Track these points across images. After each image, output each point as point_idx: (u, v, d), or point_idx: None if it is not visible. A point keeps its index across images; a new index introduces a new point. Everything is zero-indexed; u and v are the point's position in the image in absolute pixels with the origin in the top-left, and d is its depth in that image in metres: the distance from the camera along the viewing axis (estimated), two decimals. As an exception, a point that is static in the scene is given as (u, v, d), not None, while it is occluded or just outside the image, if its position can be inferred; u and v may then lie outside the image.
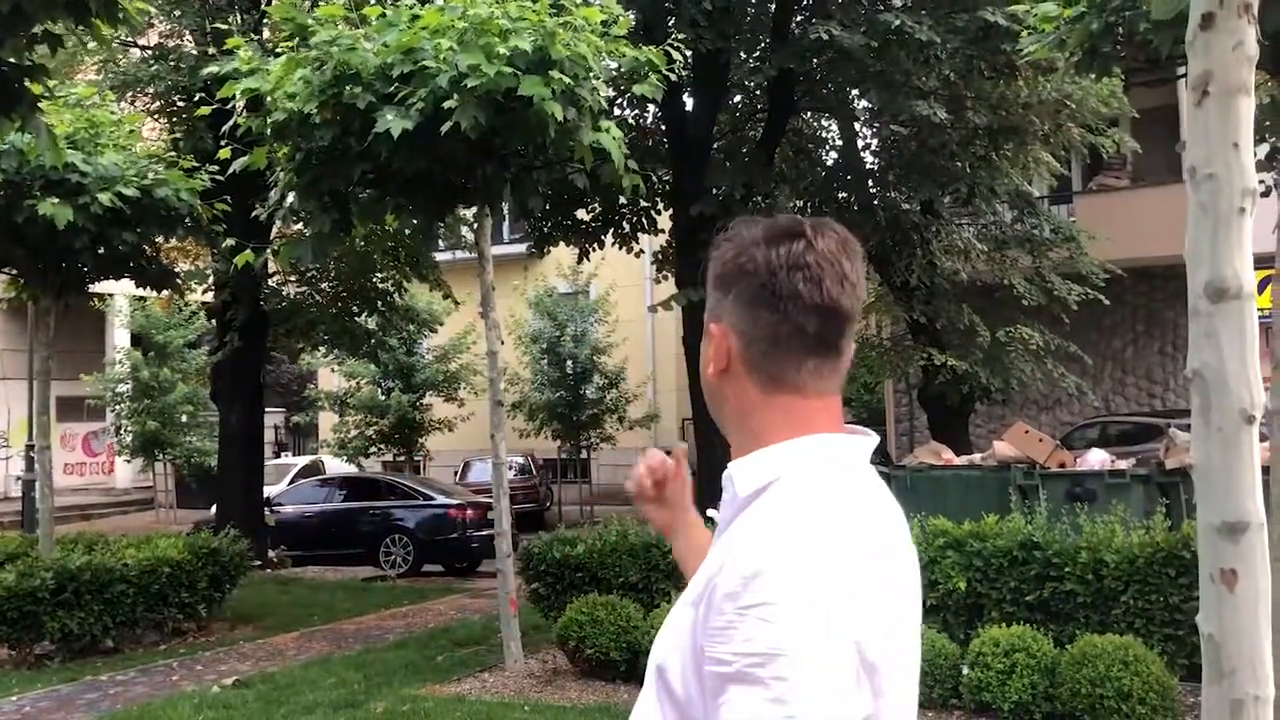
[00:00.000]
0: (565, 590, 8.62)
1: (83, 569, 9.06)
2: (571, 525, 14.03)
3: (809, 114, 15.27)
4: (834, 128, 15.95)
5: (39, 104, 5.54)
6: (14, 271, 10.58)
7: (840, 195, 14.73)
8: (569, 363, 20.91)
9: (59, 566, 8.99)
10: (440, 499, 15.62)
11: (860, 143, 15.97)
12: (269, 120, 7.88)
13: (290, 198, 8.82)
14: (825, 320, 1.22)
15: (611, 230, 13.70)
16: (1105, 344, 18.93)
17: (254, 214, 9.15)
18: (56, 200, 8.77)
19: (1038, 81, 13.00)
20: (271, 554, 14.93)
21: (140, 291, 19.25)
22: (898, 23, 10.63)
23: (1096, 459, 9.44)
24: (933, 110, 12.31)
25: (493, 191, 8.31)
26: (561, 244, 14.12)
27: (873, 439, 1.27)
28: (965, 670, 6.59)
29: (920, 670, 1.24)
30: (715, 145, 13.18)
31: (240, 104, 9.07)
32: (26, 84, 5.44)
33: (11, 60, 5.36)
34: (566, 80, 7.13)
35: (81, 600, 8.97)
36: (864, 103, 14.34)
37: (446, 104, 7.04)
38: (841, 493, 1.18)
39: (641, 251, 14.81)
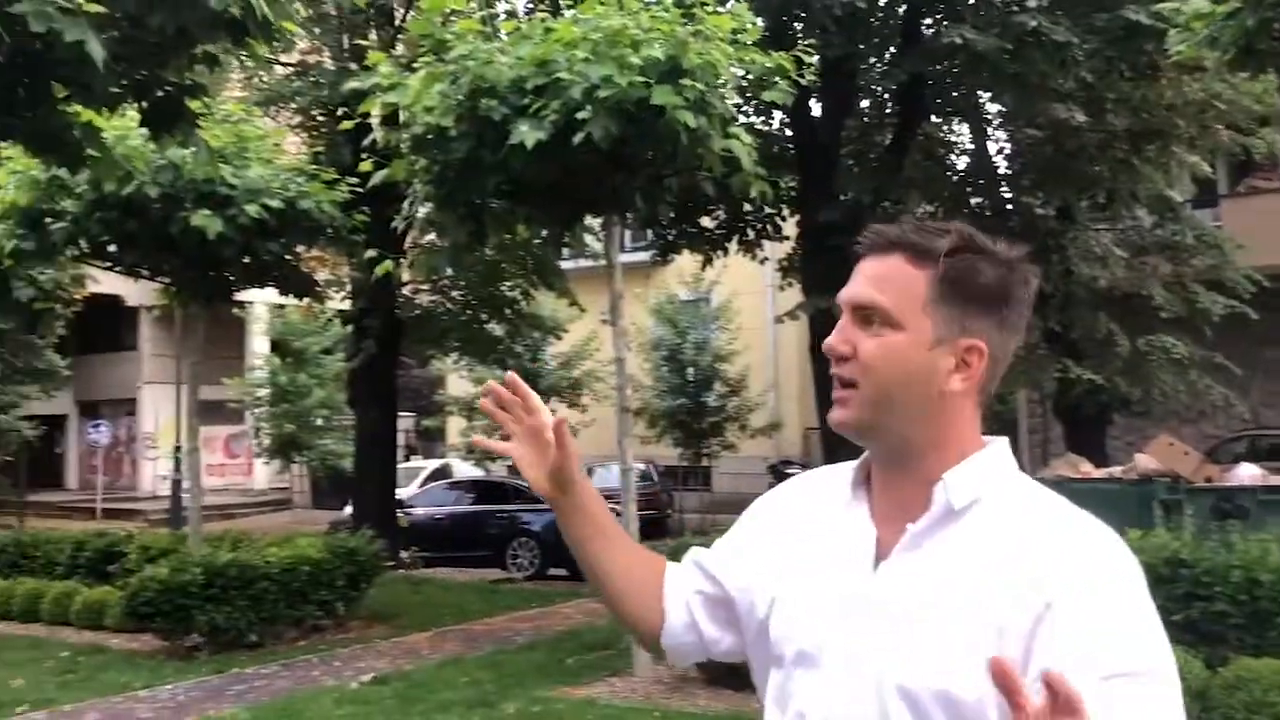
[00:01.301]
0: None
1: (229, 566, 9.46)
2: (696, 533, 14.04)
3: (940, 118, 14.99)
4: (965, 131, 15.62)
5: (197, 120, 5.82)
6: (167, 280, 11.14)
7: (972, 200, 14.41)
8: (690, 370, 20.95)
9: (207, 563, 9.40)
10: (565, 503, 15.78)
11: (993, 147, 15.61)
12: (407, 134, 8.12)
13: (426, 209, 9.08)
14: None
15: (736, 237, 13.67)
16: (1254, 353, 18.05)
17: (391, 225, 9.43)
18: (208, 212, 9.20)
19: (1182, 81, 12.50)
20: (404, 554, 15.32)
21: (281, 299, 20.00)
22: (1034, 24, 10.35)
23: (1247, 474, 9.01)
24: (1070, 113, 11.93)
25: (622, 200, 8.40)
26: (685, 251, 14.15)
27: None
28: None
29: None
30: (843, 151, 13.04)
31: (378, 118, 9.39)
32: (187, 102, 5.73)
33: (174, 80, 5.65)
34: (698, 88, 7.17)
35: (228, 595, 9.36)
36: (997, 106, 14.01)
37: (579, 115, 7.14)
38: (1049, 490, 1.24)
39: (766, 258, 14.75)
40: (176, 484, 23.21)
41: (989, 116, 14.78)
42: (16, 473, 24.48)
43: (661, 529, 19.17)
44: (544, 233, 10.05)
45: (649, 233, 15.23)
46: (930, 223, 1.29)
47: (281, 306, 24.67)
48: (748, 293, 21.97)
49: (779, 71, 8.14)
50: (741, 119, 10.97)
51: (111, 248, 10.51)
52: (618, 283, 8.64)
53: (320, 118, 13.61)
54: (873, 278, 1.26)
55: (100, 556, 12.16)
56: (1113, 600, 1.12)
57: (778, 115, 13.64)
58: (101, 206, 9.48)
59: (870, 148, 14.04)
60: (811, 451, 21.76)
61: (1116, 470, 9.92)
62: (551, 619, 11.26)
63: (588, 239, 14.71)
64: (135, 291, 27.65)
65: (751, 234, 13.73)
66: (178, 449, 24.14)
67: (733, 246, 13.83)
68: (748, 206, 12.86)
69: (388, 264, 9.05)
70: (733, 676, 7.59)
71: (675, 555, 1.54)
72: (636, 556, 1.54)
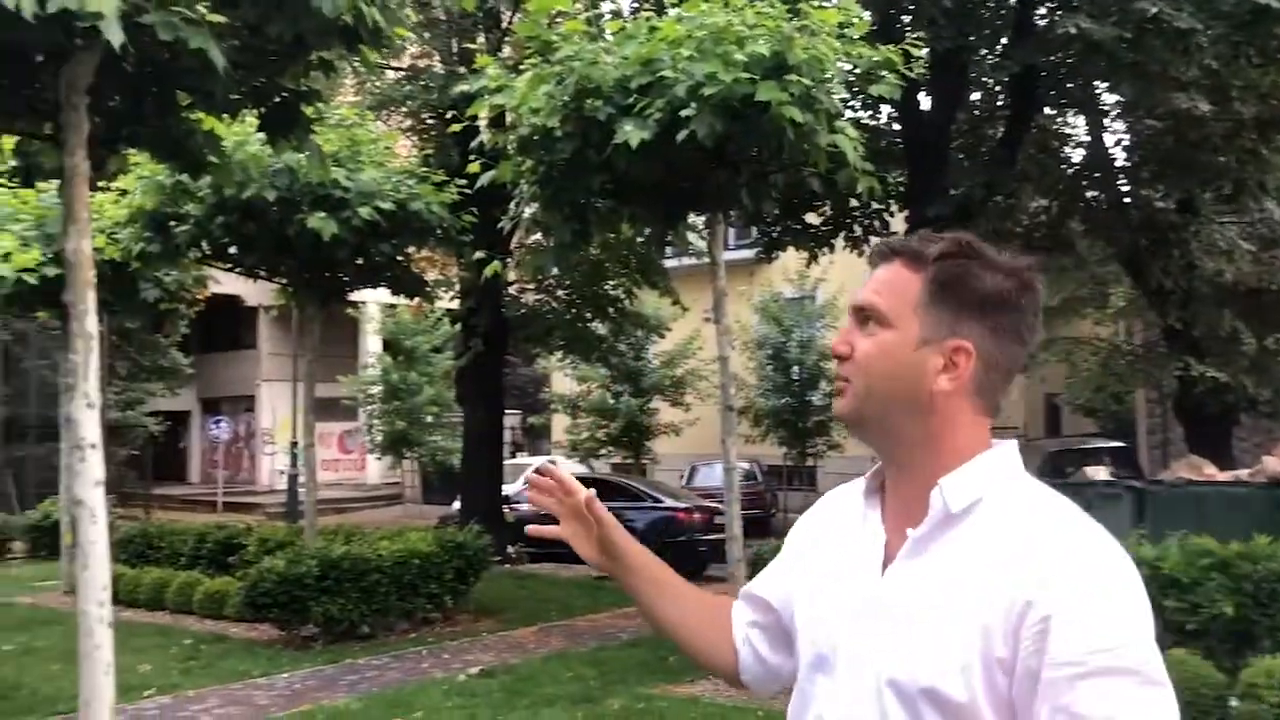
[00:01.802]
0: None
1: (342, 558, 9.71)
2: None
3: (1054, 110, 14.58)
4: (1081, 123, 15.15)
5: (312, 126, 5.98)
6: (284, 281, 11.49)
7: (1088, 194, 13.98)
8: (795, 368, 20.78)
9: (322, 555, 9.67)
10: (668, 502, 15.83)
11: (1110, 138, 15.12)
12: (514, 135, 8.23)
13: (532, 209, 9.19)
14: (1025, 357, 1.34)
15: (842, 233, 13.51)
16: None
17: (498, 225, 9.57)
18: (323, 214, 9.46)
19: (1315, 66, 11.91)
20: (510, 550, 15.53)
21: (393, 299, 20.41)
22: (1154, 10, 9.98)
23: (1386, 478, 8.56)
24: (1193, 102, 11.48)
25: (726, 197, 8.37)
26: (790, 248, 14.04)
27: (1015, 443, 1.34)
28: (1234, 703, 6.11)
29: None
30: (953, 145, 12.78)
31: (485, 120, 9.54)
32: (302, 108, 5.89)
33: (290, 86, 5.82)
34: (804, 84, 7.10)
35: (342, 588, 9.61)
36: (1115, 96, 13.55)
37: (683, 113, 7.13)
38: (1056, 494, 1.26)
39: (874, 255, 14.53)
40: (293, 479, 23.93)
41: (1106, 107, 14.32)
42: (143, 466, 25.57)
43: (765, 528, 19.06)
44: (647, 231, 10.07)
45: (753, 230, 15.16)
46: (942, 234, 1.34)
47: (393, 306, 25.25)
48: (855, 288, 21.65)
49: (887, 65, 8.02)
50: (848, 114, 10.83)
51: (232, 249, 10.89)
52: (721, 280, 8.61)
53: (430, 121, 13.89)
54: (873, 282, 1.34)
55: (221, 548, 12.62)
56: (1095, 600, 1.14)
57: (885, 109, 13.44)
58: (222, 210, 9.83)
59: (981, 141, 13.73)
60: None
61: (1243, 473, 9.53)
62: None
63: (691, 237, 14.75)
64: (254, 292, 28.61)
65: (858, 230, 13.54)
66: (294, 444, 24.90)
67: (839, 243, 13.66)
68: (854, 202, 12.70)
69: (496, 264, 9.18)
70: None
71: (758, 563, 1.56)
72: (703, 602, 1.62)
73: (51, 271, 11.12)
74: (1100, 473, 11.17)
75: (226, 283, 18.36)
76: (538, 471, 1.66)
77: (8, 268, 9.18)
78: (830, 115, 7.64)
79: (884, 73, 8.16)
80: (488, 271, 9.24)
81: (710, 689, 7.73)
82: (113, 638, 4.96)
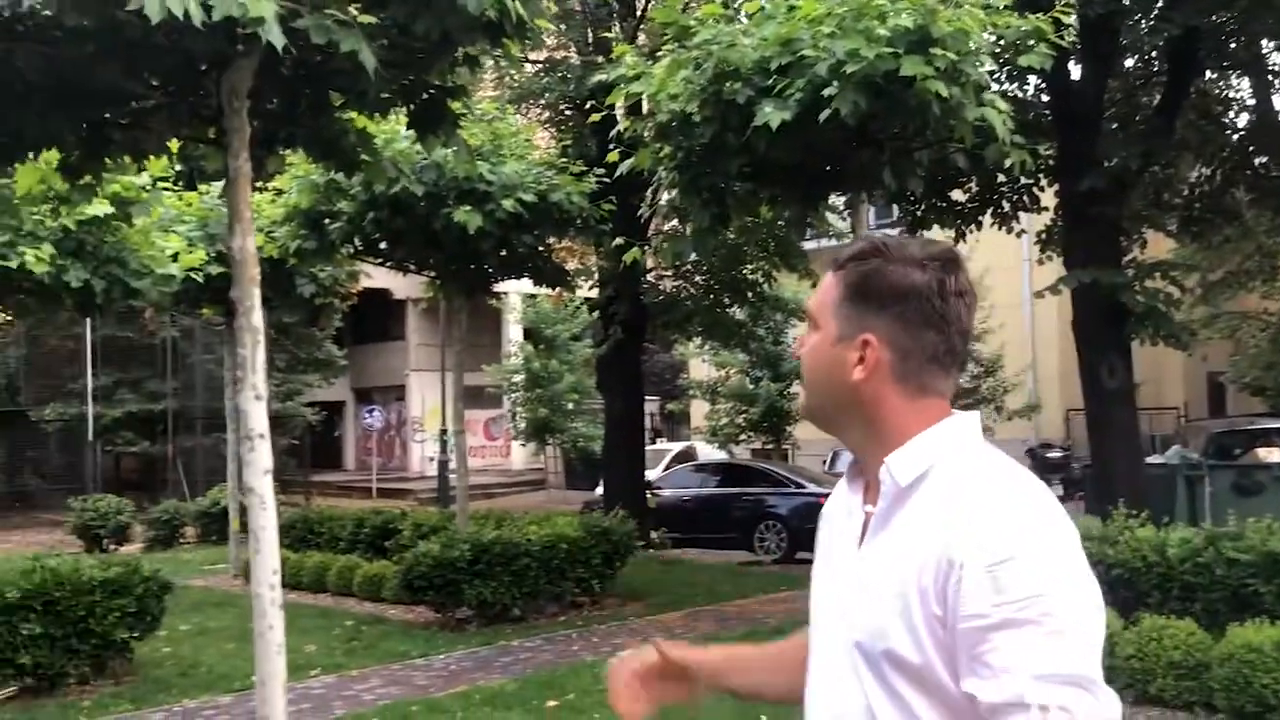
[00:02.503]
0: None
1: (494, 543, 9.94)
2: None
3: (1215, 73, 13.80)
4: (1246, 86, 14.31)
5: (458, 121, 6.11)
6: (432, 274, 11.81)
7: (1256, 160, 13.19)
8: (941, 350, 20.28)
9: (474, 540, 9.92)
10: (812, 487, 15.67)
11: (1279, 101, 14.21)
12: (653, 121, 8.25)
13: (670, 195, 9.20)
14: (967, 341, 1.39)
15: (989, 210, 13.10)
16: None
17: (637, 213, 9.64)
18: (468, 208, 9.67)
19: None
20: (653, 535, 15.64)
21: (534, 289, 20.76)
22: (1329, -40, 9.35)
23: None
24: (1373, 56, 10.70)
25: (869, 176, 8.22)
26: (935, 227, 13.68)
27: (976, 415, 1.41)
28: None
29: None
30: (1105, 114, 12.23)
31: (621, 109, 9.59)
32: (449, 103, 6.03)
33: (437, 83, 5.95)
34: (949, 57, 6.90)
35: (493, 571, 9.83)
36: (1285, 54, 12.75)
37: (825, 92, 7.03)
38: (1002, 458, 1.33)
39: (1023, 231, 14.05)
40: (443, 465, 24.62)
41: (1275, 68, 13.47)
42: (302, 455, 26.69)
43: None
44: (787, 214, 9.97)
45: (893, 210, 14.84)
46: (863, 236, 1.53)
47: (533, 296, 25.68)
48: (1001, 268, 21.02)
49: (1037, 34, 7.73)
50: (994, 86, 10.48)
51: (382, 244, 11.26)
52: (866, 262, 8.45)
53: (567, 112, 14.04)
54: (820, 290, 1.44)
55: (377, 533, 13.07)
56: (1002, 554, 1.19)
57: (1032, 80, 12.96)
58: (373, 206, 10.15)
59: (1136, 110, 13.10)
60: (1074, 434, 20.63)
61: None
62: (802, 603, 11.09)
63: (831, 218, 14.56)
64: (402, 285, 29.50)
65: (1006, 206, 13.11)
66: (443, 432, 25.60)
67: (986, 220, 13.25)
68: (1001, 178, 12.29)
69: (635, 251, 9.25)
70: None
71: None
72: (788, 655, 1.63)
73: (214, 270, 11.70)
74: (1276, 454, 10.58)
75: (376, 277, 18.99)
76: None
77: (176, 268, 9.67)
78: (978, 88, 7.42)
79: (1032, 42, 7.87)
80: (627, 258, 9.31)
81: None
82: (283, 618, 5.19)
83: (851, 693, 1.32)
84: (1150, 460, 13.13)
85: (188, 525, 18.49)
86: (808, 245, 16.06)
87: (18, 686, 7.58)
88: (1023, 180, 12.65)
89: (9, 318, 17.44)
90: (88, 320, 22.45)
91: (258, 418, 5.19)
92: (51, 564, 7.99)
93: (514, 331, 29.14)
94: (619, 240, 9.81)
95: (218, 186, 13.04)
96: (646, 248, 10.66)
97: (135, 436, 25.46)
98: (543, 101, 13.97)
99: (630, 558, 11.35)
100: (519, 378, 26.01)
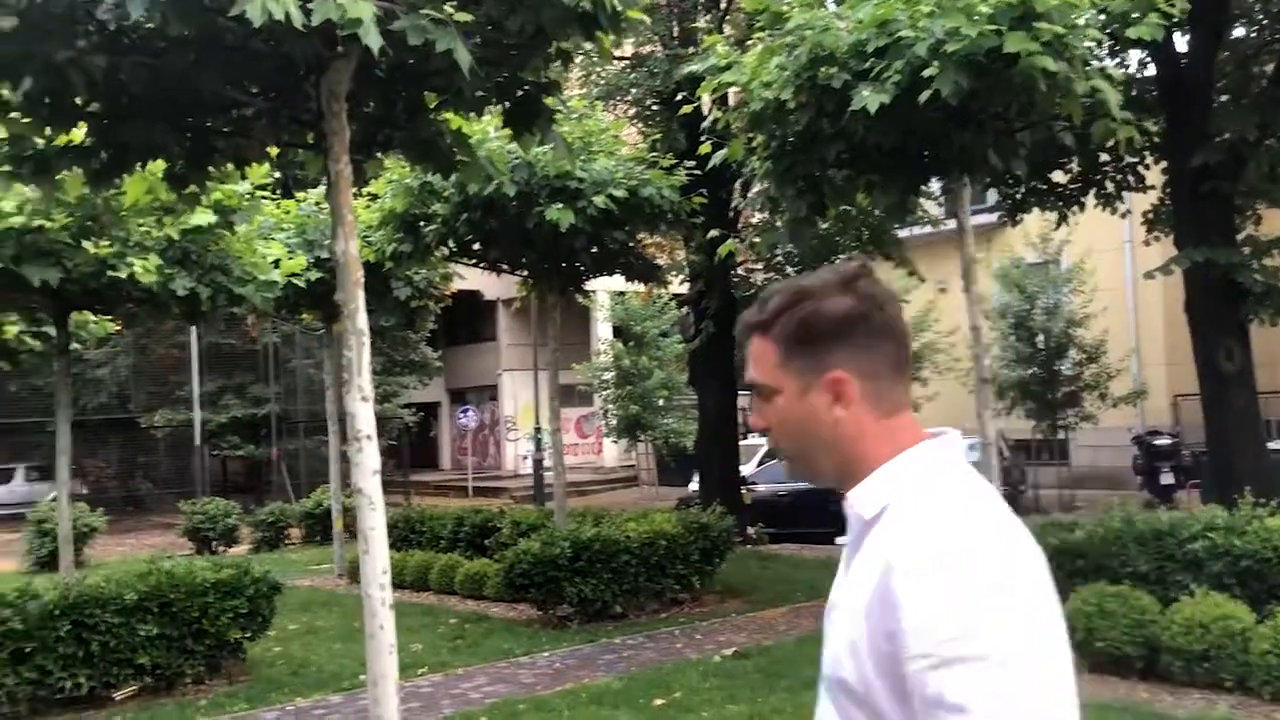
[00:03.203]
0: (1063, 578, 8.07)
1: (593, 540, 9.91)
2: (1055, 510, 13.20)
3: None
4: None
5: (553, 117, 6.07)
6: (525, 273, 11.84)
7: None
8: (1040, 337, 19.74)
9: (574, 537, 9.91)
10: (912, 480, 15.37)
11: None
12: (745, 110, 8.13)
13: (760, 186, 9.06)
14: (909, 341, 1.41)
15: (1093, 190, 12.66)
16: None
17: (729, 206, 9.52)
18: (560, 205, 9.66)
19: None
20: (750, 530, 15.49)
21: (623, 287, 20.71)
22: None
23: None
24: None
25: (971, 159, 7.97)
26: (1035, 210, 13.28)
27: (956, 434, 1.41)
28: None
29: None
30: (1216, 86, 11.72)
31: (710, 100, 9.47)
32: (544, 100, 5.99)
33: (531, 79, 5.92)
34: (1055, 30, 6.65)
35: (593, 568, 9.81)
36: None
37: (925, 72, 6.82)
38: (963, 487, 1.32)
39: (1128, 211, 13.56)
40: (538, 463, 24.79)
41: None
42: (400, 455, 27.12)
43: (1014, 506, 18.15)
44: (885, 200, 9.75)
45: (987, 196, 14.46)
46: (768, 292, 1.46)
47: (622, 294, 25.70)
48: (1103, 251, 20.40)
49: (1146, 5, 7.41)
50: (1097, 62, 10.11)
51: (475, 245, 11.31)
52: (969, 246, 8.22)
53: (654, 108, 13.97)
54: (749, 359, 1.44)
55: (477, 531, 13.17)
56: (938, 590, 1.19)
57: (1134, 55, 12.50)
58: (466, 208, 10.21)
59: (1249, 80, 12.53)
60: (1182, 420, 19.90)
61: None
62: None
63: (926, 205, 14.25)
64: (493, 287, 29.79)
65: (1110, 186, 12.66)
66: (537, 430, 25.78)
67: (1089, 201, 12.82)
68: (1104, 157, 11.88)
69: (730, 243, 9.12)
70: (1117, 664, 7.04)
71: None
72: None
73: (313, 276, 11.92)
74: None
75: (468, 279, 19.17)
76: None
77: (278, 274, 9.84)
78: (1085, 62, 7.15)
79: (1137, 15, 7.54)
80: (721, 251, 9.19)
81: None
82: (393, 618, 5.20)
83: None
84: (1272, 446, 12.57)
85: (292, 527, 18.90)
86: (901, 233, 15.75)
87: (138, 686, 7.78)
88: (1126, 159, 12.22)
89: (119, 328, 18.03)
90: (193, 328, 23.13)
91: (365, 419, 5.21)
92: (166, 566, 8.19)
93: (603, 329, 29.21)
94: (713, 233, 9.69)
95: (314, 194, 13.34)
96: (739, 240, 10.51)
97: (240, 441, 26.16)
98: (629, 98, 13.91)
99: (728, 554, 11.25)
100: (609, 375, 26.04)
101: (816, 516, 15.79)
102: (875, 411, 1.37)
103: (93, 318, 11.27)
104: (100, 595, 7.59)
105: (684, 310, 28.26)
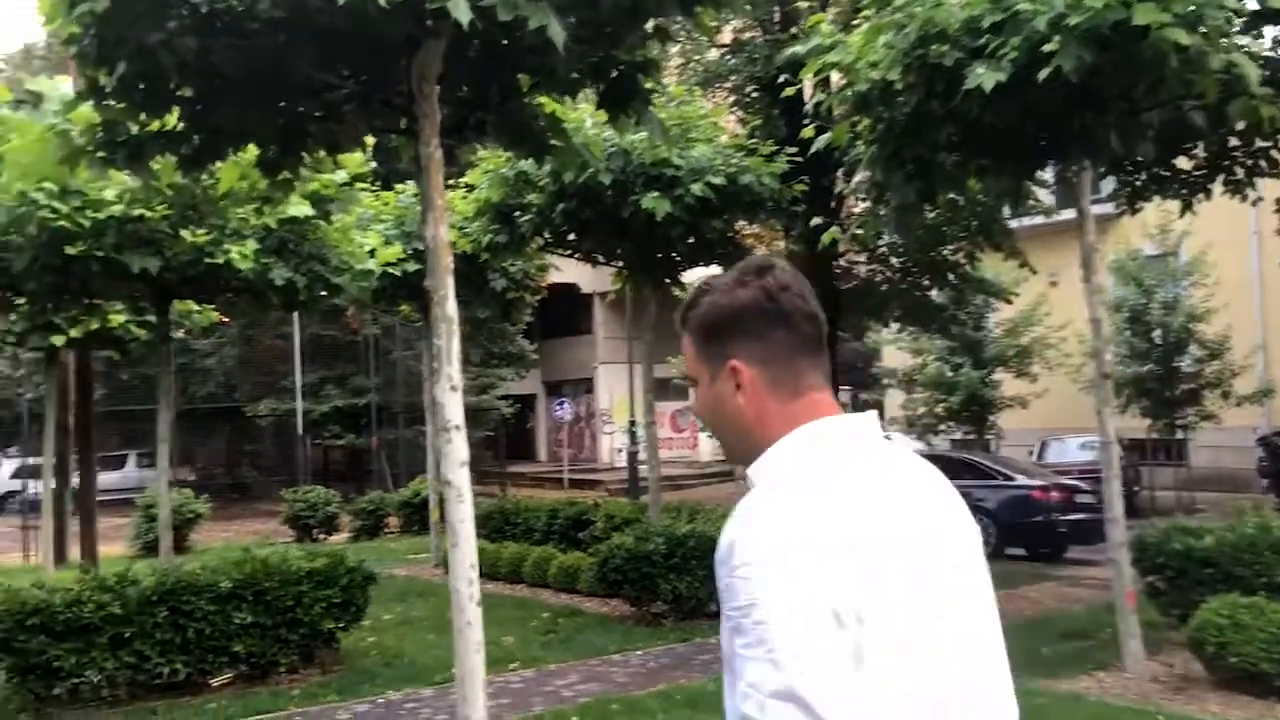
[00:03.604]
0: (1189, 586, 7.62)
1: (688, 536, 9.68)
2: (1173, 513, 12.54)
3: None
4: None
5: (650, 98, 5.85)
6: (620, 264, 11.66)
7: None
8: (1157, 332, 18.86)
9: (668, 533, 9.69)
10: (1021, 479, 14.79)
11: None
12: (850, 93, 7.79)
13: (865, 173, 8.70)
14: (817, 325, 1.46)
15: (1220, 176, 11.92)
16: None
17: (831, 193, 9.19)
18: (656, 194, 9.44)
19: None
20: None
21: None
22: None
23: None
24: None
25: (1092, 141, 7.51)
26: (1156, 199, 12.58)
27: (872, 415, 1.47)
28: None
29: None
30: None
31: (810, 84, 9.14)
32: (640, 80, 5.77)
33: (627, 59, 5.70)
34: (1190, 1, 6.18)
35: (688, 565, 9.58)
36: None
37: (1045, 48, 6.41)
38: (817, 467, 1.36)
39: (1259, 199, 12.76)
40: (632, 456, 24.67)
41: None
42: (497, 447, 27.26)
43: (1129, 507, 17.40)
44: (998, 185, 9.30)
45: (1102, 183, 13.74)
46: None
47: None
48: (1226, 243, 19.37)
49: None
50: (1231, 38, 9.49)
51: (570, 236, 11.17)
52: (1089, 234, 7.79)
53: (754, 94, 13.66)
54: (684, 351, 1.54)
55: (571, 524, 13.06)
56: (734, 565, 1.28)
57: (1268, 32, 11.73)
58: (561, 197, 10.06)
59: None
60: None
61: None
62: (1018, 603, 10.50)
63: (1036, 193, 13.64)
64: (589, 279, 29.78)
65: (1239, 172, 11.91)
66: (632, 424, 25.66)
67: (1216, 188, 12.08)
68: (1235, 141, 11.17)
69: (834, 231, 8.79)
70: (1251, 681, 6.55)
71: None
72: None
73: (411, 267, 11.92)
74: None
75: (564, 272, 19.10)
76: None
77: (374, 263, 9.83)
78: (1220, 35, 6.64)
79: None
80: (825, 239, 8.87)
81: (1095, 686, 6.99)
82: (481, 614, 5.05)
83: None
84: None
85: (391, 515, 19.08)
86: (1009, 224, 15.17)
87: (233, 674, 7.81)
88: (1258, 143, 11.48)
89: (224, 319, 18.43)
90: (295, 320, 23.57)
91: (454, 409, 5.06)
92: (261, 555, 8.21)
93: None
94: (815, 221, 9.36)
95: (413, 185, 13.36)
96: (842, 229, 10.15)
97: (341, 430, 26.59)
98: (728, 84, 13.62)
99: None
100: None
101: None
102: (774, 395, 1.44)
103: (195, 307, 11.45)
104: (196, 582, 7.63)
105: (782, 303, 27.88)
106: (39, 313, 9.95)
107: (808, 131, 8.45)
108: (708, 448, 31.35)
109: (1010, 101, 6.92)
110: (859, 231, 11.47)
